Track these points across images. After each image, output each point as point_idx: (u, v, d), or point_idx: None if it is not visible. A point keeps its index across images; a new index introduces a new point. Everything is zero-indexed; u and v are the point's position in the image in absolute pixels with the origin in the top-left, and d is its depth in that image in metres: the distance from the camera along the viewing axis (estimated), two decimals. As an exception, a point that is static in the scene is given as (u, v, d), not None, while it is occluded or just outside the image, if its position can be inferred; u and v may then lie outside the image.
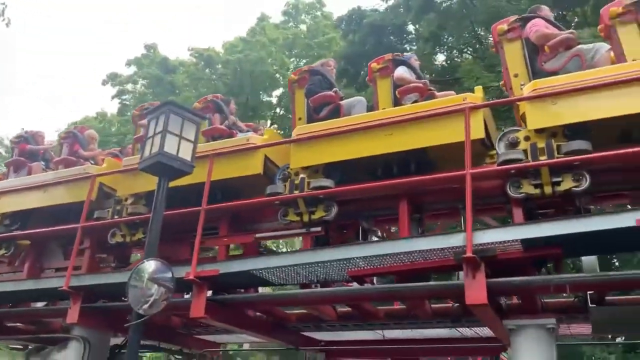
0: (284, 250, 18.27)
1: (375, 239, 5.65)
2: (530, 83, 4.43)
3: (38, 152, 7.24)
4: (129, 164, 6.04)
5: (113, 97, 22.24)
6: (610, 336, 5.48)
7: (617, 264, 12.37)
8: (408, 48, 15.90)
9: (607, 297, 4.72)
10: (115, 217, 6.01)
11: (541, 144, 4.20)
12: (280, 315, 6.19)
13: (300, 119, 5.62)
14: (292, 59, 26.00)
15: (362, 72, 14.91)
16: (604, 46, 4.45)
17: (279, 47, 23.98)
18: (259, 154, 5.33)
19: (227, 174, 5.43)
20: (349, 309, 5.77)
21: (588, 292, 4.35)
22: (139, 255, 6.96)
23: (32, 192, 6.64)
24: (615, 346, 13.56)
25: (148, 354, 14.11)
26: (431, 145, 4.70)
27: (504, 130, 4.60)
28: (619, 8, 4.51)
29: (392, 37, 16.11)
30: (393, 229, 6.06)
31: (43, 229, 6.36)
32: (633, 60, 4.27)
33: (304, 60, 24.70)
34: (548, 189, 4.19)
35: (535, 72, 4.62)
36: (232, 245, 6.47)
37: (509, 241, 4.05)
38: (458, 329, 6.15)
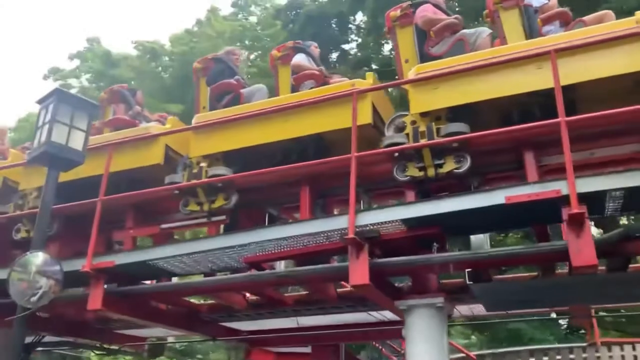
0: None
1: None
2: (414, 67, 4.50)
3: None
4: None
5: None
6: (506, 312, 5.62)
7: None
8: (350, 39, 15.99)
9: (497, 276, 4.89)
10: (17, 211, 5.84)
11: (423, 127, 4.29)
12: (191, 306, 6.15)
13: (204, 107, 5.58)
14: (242, 51, 25.77)
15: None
16: (486, 30, 4.58)
17: (227, 39, 23.67)
18: (159, 144, 5.26)
19: (129, 164, 5.35)
20: (257, 297, 5.77)
21: (466, 270, 4.46)
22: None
23: None
24: (557, 327, 14.04)
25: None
26: (325, 131, 4.75)
27: (393, 114, 4.68)
28: (501, -5, 4.63)
29: (335, 28, 16.17)
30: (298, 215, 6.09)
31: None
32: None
33: (256, 53, 24.57)
34: (431, 171, 4.29)
35: (423, 57, 4.70)
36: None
37: (390, 221, 4.12)
38: (371, 313, 6.24)
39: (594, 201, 3.73)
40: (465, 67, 4.20)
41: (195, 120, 5.17)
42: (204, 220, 5.25)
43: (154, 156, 5.24)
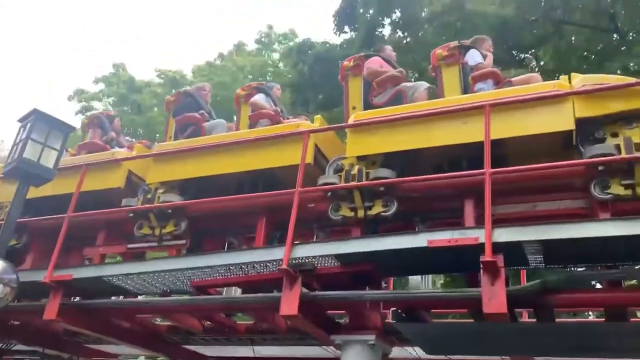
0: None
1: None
2: (353, 115, 4.81)
3: None
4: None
5: (77, 113, 22.58)
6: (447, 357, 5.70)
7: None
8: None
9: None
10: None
11: (354, 171, 4.55)
12: (151, 326, 6.39)
13: (170, 137, 5.97)
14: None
15: (309, 101, 15.43)
16: (424, 84, 4.88)
17: (247, 73, 24.52)
18: (122, 168, 5.64)
19: (95, 186, 5.72)
20: (211, 322, 5.99)
21: (391, 309, 4.62)
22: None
23: None
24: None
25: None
26: (274, 167, 5.05)
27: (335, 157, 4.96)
28: (444, 51, 4.96)
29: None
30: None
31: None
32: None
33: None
34: (361, 213, 4.52)
35: (367, 106, 5.01)
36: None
37: (324, 256, 4.36)
38: (325, 348, 6.38)
39: (514, 252, 3.89)
40: (397, 117, 4.48)
41: (156, 148, 5.55)
42: (169, 242, 5.56)
43: (116, 179, 5.61)
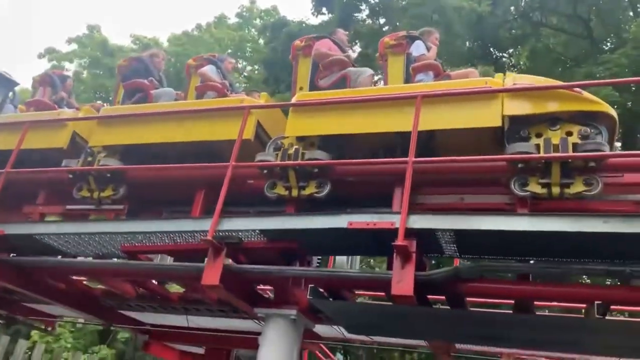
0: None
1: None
2: (295, 95, 4.86)
3: None
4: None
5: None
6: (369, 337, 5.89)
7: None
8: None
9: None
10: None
11: (291, 150, 4.62)
12: (86, 289, 6.40)
13: (118, 102, 5.94)
14: (240, 61, 26.34)
15: (280, 80, 15.39)
16: (368, 71, 4.95)
17: (225, 47, 24.28)
18: (67, 129, 5.60)
19: (39, 144, 5.68)
20: (144, 289, 6.04)
21: (309, 285, 4.75)
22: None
23: None
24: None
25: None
26: (215, 140, 5.09)
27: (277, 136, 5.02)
28: (392, 40, 5.03)
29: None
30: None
31: None
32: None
33: (253, 65, 25.10)
34: (295, 192, 4.61)
35: (312, 88, 5.07)
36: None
37: (250, 230, 4.44)
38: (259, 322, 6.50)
39: (429, 239, 4.04)
40: (334, 101, 4.55)
41: (101, 112, 5.52)
42: (108, 207, 5.56)
43: (59, 140, 5.57)
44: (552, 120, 4.15)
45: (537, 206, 4.18)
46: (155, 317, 7.14)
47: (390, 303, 4.32)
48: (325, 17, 16.90)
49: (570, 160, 3.90)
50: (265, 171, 4.65)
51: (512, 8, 16.61)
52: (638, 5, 17.27)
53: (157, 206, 5.95)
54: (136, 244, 4.96)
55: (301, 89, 5.22)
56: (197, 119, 5.10)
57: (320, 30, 14.42)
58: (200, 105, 5.13)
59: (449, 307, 4.51)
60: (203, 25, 24.60)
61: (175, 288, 6.64)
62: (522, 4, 19.14)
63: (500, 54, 21.76)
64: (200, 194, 5.25)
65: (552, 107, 4.10)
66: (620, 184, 4.27)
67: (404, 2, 15.75)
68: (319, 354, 8.12)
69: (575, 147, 3.96)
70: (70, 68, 23.36)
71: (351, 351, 15.62)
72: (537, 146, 4.04)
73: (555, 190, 3.96)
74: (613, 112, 4.19)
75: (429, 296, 4.47)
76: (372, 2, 14.92)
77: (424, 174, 4.43)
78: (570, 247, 3.81)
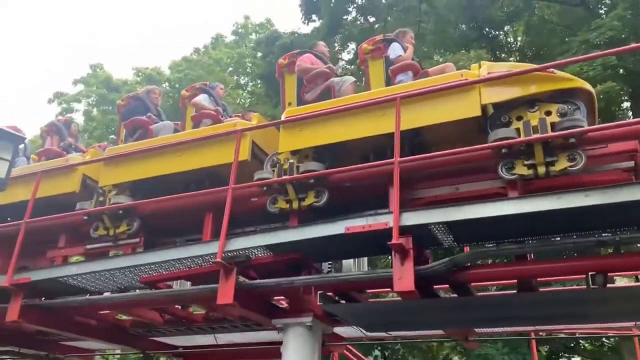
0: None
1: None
2: (284, 111, 5.07)
3: None
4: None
5: (57, 116, 22.62)
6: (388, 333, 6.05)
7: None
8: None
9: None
10: None
11: (286, 165, 4.82)
12: (116, 321, 6.69)
13: (122, 141, 6.21)
14: (241, 77, 26.67)
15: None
16: (350, 79, 5.13)
17: (225, 66, 24.63)
18: (77, 173, 5.89)
19: (53, 191, 5.99)
20: (168, 314, 6.29)
21: (318, 292, 4.93)
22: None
23: None
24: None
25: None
26: (218, 164, 5.31)
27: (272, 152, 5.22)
28: (369, 45, 5.20)
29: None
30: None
31: None
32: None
33: (254, 80, 25.38)
34: (295, 204, 4.81)
35: (300, 102, 5.26)
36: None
37: (256, 247, 4.66)
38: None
39: (424, 234, 4.21)
40: (320, 112, 4.75)
41: (106, 153, 5.80)
42: (125, 242, 5.83)
43: (71, 185, 5.87)
44: (531, 102, 4.28)
45: (529, 187, 4.32)
46: (185, 339, 7.42)
47: (399, 299, 4.48)
48: (316, 23, 17.11)
49: (550, 140, 4.02)
50: (265, 188, 4.85)
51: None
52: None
53: (171, 234, 6.21)
54: (153, 274, 5.22)
55: (289, 104, 5.42)
56: (195, 147, 5.34)
57: (312, 38, 14.65)
58: (196, 134, 5.36)
59: (456, 295, 4.65)
60: (201, 49, 25.03)
61: (198, 310, 6.88)
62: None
63: (497, 32, 21.69)
64: (209, 217, 5.47)
65: (527, 90, 4.24)
66: (606, 154, 4.38)
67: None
68: (351, 356, 8.30)
69: (553, 125, 4.09)
70: (79, 108, 24.02)
71: (388, 347, 15.69)
72: (517, 130, 4.18)
73: (541, 169, 4.08)
74: (589, 87, 4.31)
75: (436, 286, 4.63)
76: (359, 2, 15.08)
77: (415, 170, 4.61)
78: (561, 223, 3.93)
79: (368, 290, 5.58)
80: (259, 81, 24.53)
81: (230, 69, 25.25)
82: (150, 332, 6.88)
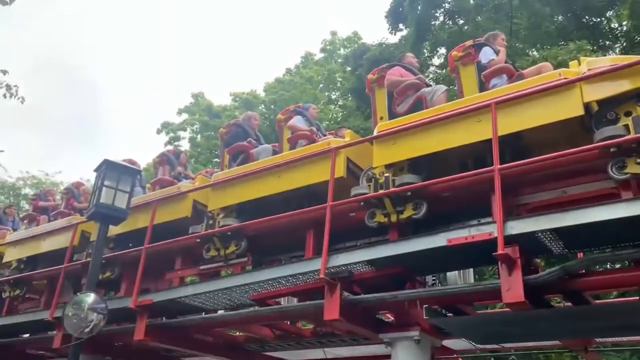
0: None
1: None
2: (377, 126, 5.12)
3: (47, 208, 8.69)
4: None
5: (166, 144, 24.45)
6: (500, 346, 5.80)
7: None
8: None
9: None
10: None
11: (382, 179, 4.86)
12: (229, 338, 7.04)
13: (225, 166, 6.58)
14: (332, 92, 27.11)
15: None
16: (442, 88, 5.07)
17: (316, 84, 25.19)
18: (188, 199, 6.33)
19: (168, 217, 6.48)
20: (279, 330, 6.52)
21: (423, 305, 4.85)
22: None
23: (38, 240, 8.03)
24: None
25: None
26: (316, 182, 5.46)
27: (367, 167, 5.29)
28: (459, 52, 5.14)
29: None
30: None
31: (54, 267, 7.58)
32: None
33: (344, 94, 25.72)
34: (394, 217, 4.82)
35: (391, 115, 5.29)
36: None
37: (358, 262, 4.72)
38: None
39: (532, 242, 4.05)
40: (413, 125, 4.74)
41: (213, 178, 6.17)
42: (235, 261, 6.16)
43: (184, 210, 6.31)
44: (639, 96, 4.00)
45: (642, 186, 4.02)
46: (296, 353, 7.63)
47: (508, 310, 4.33)
48: (403, 32, 17.02)
49: (665, 134, 3.73)
50: (362, 203, 4.91)
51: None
52: None
53: (276, 252, 6.46)
54: (262, 291, 5.45)
55: (381, 118, 5.47)
56: (293, 168, 5.55)
57: (400, 47, 14.62)
58: (293, 155, 5.56)
59: (570, 304, 4.41)
60: (292, 69, 25.82)
61: (306, 324, 7.06)
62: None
63: (598, 20, 20.32)
64: (310, 234, 5.63)
65: (635, 83, 3.96)
66: None
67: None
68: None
69: (668, 117, 3.79)
70: (185, 136, 25.68)
71: (502, 358, 15.04)
72: (626, 127, 3.92)
73: (658, 165, 3.79)
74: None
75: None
76: (447, 6, 14.82)
77: (518, 176, 4.45)
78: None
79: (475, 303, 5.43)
80: (349, 95, 24.87)
81: (321, 85, 25.76)
82: (263, 348, 7.15)
